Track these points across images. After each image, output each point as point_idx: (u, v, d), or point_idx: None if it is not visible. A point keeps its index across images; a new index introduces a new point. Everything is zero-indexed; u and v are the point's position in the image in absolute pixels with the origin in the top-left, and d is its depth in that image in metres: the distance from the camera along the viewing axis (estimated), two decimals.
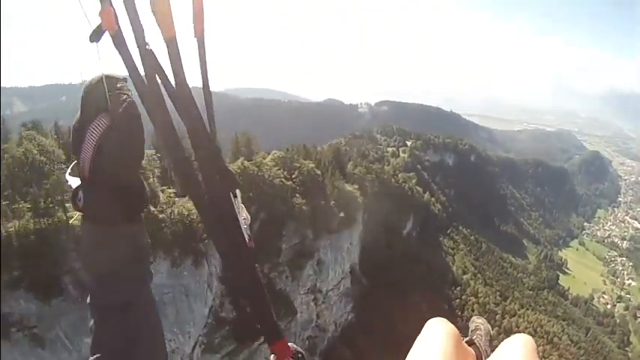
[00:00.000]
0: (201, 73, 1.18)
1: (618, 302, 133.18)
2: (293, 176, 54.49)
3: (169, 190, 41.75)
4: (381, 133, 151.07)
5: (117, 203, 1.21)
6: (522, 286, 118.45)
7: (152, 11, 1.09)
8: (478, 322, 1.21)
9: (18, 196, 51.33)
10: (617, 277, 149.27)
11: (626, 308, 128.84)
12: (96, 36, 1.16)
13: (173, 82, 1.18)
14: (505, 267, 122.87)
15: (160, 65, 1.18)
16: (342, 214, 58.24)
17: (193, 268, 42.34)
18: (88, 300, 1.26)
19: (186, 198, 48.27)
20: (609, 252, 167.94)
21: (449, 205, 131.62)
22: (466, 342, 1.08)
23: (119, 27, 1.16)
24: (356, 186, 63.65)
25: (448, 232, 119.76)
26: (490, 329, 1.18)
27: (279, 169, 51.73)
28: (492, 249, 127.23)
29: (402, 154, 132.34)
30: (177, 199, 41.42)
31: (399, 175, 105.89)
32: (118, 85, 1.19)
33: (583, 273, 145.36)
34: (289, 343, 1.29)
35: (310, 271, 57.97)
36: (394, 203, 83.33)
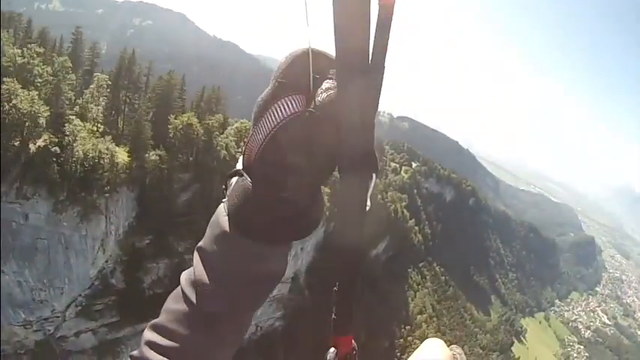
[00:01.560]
0: (376, 39, 0.77)
1: None
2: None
3: (81, 121, 31.62)
4: (390, 145, 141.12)
5: (273, 215, 0.90)
6: (474, 341, 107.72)
7: None
8: (457, 352, 0.95)
9: None
10: None
11: None
12: None
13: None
14: (464, 317, 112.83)
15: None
16: None
17: (78, 220, 33.21)
18: (193, 298, 0.95)
19: (109, 139, 37.04)
20: (570, 336, 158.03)
21: (431, 238, 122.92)
22: None
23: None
24: (328, 190, 53.17)
25: (420, 265, 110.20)
26: None
27: (237, 141, 41.40)
28: (458, 296, 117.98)
29: (403, 173, 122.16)
30: (88, 135, 31.97)
31: (389, 194, 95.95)
32: (331, 72, 0.85)
33: (538, 347, 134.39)
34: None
35: None
36: (372, 221, 72.82)
